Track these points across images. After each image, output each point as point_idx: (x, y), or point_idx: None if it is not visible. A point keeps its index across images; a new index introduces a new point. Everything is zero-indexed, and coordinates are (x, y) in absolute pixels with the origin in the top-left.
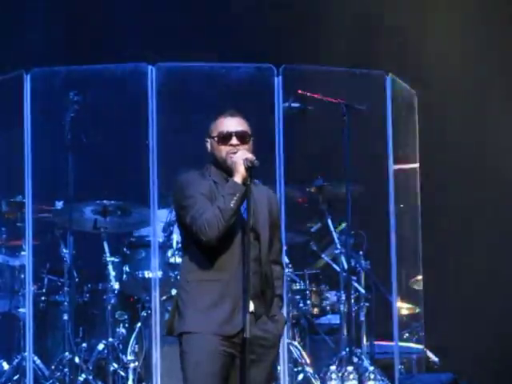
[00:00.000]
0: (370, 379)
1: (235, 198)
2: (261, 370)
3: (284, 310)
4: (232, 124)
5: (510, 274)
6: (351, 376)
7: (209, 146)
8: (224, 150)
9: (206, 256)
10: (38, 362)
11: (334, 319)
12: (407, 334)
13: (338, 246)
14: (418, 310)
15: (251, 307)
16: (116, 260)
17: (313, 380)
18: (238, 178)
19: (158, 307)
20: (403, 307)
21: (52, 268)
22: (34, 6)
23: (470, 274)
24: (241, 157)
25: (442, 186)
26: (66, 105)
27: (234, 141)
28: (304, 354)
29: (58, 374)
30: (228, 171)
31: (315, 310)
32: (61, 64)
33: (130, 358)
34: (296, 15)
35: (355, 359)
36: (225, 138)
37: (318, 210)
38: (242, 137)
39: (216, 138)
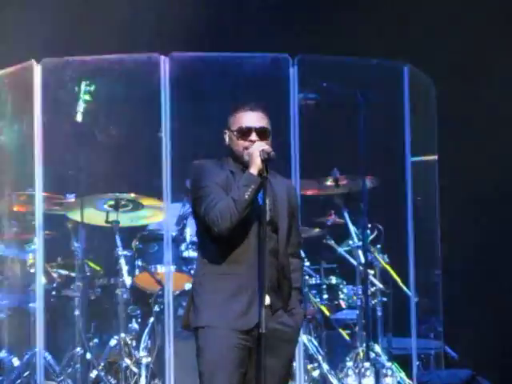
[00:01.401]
0: (387, 375)
1: (250, 190)
2: (278, 364)
3: None
4: (253, 119)
5: None
6: (368, 372)
7: (227, 138)
8: (242, 145)
9: (222, 248)
10: (49, 357)
11: (351, 314)
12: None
13: (355, 240)
14: (435, 305)
15: (267, 300)
16: (128, 254)
17: (329, 376)
18: (254, 170)
19: (171, 302)
20: (421, 302)
21: (63, 262)
22: None
23: (491, 268)
24: (257, 148)
25: (461, 177)
26: (78, 95)
27: (254, 137)
28: (320, 349)
29: (70, 370)
30: (245, 164)
31: (331, 305)
32: (72, 54)
33: (142, 353)
34: (311, 4)
35: (372, 355)
36: (244, 134)
37: (334, 203)
38: (262, 133)
39: (235, 133)
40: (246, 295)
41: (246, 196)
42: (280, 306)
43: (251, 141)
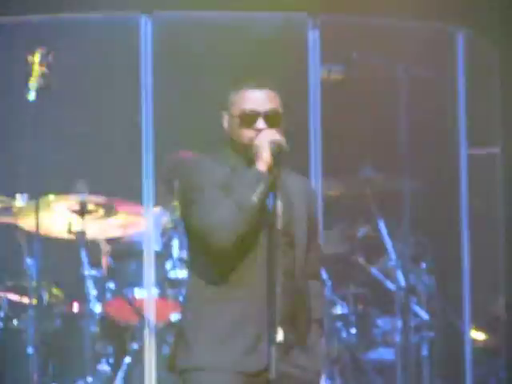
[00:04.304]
0: None
1: (258, 191)
2: None
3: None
4: (259, 100)
5: None
6: None
7: (226, 122)
8: (247, 135)
9: (220, 268)
10: None
11: (387, 354)
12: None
13: (393, 257)
14: (498, 342)
15: (280, 336)
16: (97, 274)
17: None
18: (263, 166)
19: (153, 337)
20: (479, 338)
21: (12, 285)
22: None
23: None
24: (266, 139)
25: None
26: (31, 69)
27: (261, 124)
28: None
29: None
30: (249, 159)
31: (362, 342)
32: (22, 13)
33: None
34: None
35: None
36: (249, 119)
37: (366, 210)
38: (273, 118)
39: (237, 118)
40: (251, 328)
41: (255, 198)
42: (295, 343)
43: (257, 129)
